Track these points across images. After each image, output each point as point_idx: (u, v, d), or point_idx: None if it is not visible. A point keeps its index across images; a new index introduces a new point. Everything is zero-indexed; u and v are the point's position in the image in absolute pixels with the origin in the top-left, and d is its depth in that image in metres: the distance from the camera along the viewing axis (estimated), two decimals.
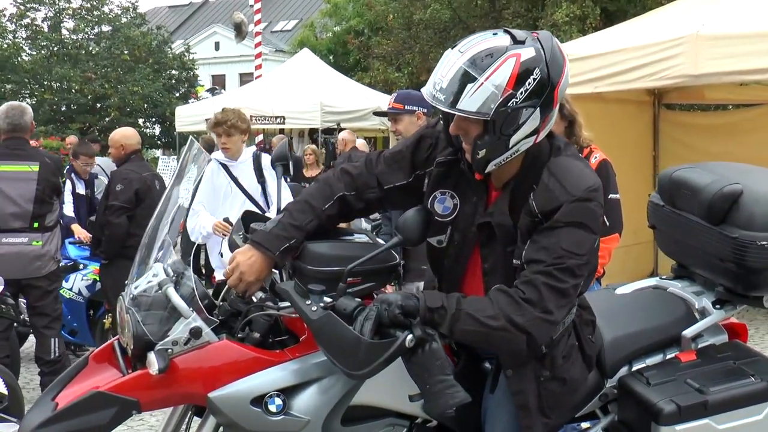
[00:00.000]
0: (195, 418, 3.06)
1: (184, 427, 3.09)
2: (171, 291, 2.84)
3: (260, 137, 18.91)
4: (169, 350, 2.77)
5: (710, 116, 13.37)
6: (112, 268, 6.97)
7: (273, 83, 17.61)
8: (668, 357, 3.30)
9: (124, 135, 7.31)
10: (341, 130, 16.86)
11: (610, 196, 4.80)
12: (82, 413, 2.76)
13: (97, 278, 7.60)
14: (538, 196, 2.70)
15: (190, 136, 3.76)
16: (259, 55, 19.68)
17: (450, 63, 2.65)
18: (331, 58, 27.09)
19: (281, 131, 18.00)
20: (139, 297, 2.92)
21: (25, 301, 6.71)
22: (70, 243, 8.06)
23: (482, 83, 2.58)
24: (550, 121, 2.74)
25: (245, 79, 43.52)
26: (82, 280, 7.78)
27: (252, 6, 51.07)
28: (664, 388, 3.08)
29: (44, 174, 6.35)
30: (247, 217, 3.22)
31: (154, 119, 33.76)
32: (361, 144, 12.94)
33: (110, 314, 7.58)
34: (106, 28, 33.96)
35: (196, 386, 2.79)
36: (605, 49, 9.13)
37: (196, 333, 2.77)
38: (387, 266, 2.96)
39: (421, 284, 5.19)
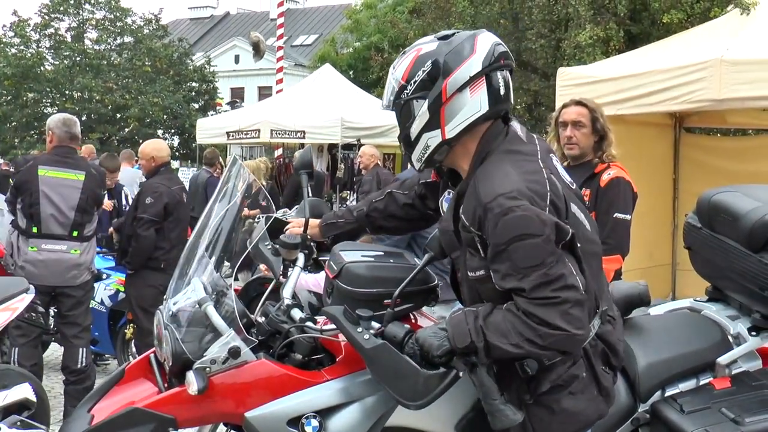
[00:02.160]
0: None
1: None
2: (210, 309, 2.86)
3: (279, 151, 18.94)
4: (207, 369, 2.78)
5: (731, 140, 13.32)
6: (137, 279, 7.04)
7: (294, 97, 17.67)
8: (702, 383, 3.26)
9: (155, 147, 7.36)
10: (361, 145, 16.91)
11: (616, 215, 4.70)
12: (120, 428, 2.78)
13: (120, 288, 7.64)
14: (465, 209, 2.70)
15: (234, 155, 3.77)
16: (280, 70, 19.75)
17: None
18: (351, 73, 27.16)
19: (301, 146, 18.04)
20: (178, 313, 2.94)
21: (55, 309, 6.75)
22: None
23: (390, 79, 2.79)
24: (455, 117, 2.72)
25: (264, 92, 43.67)
26: (105, 290, 7.81)
27: (273, 20, 51.39)
28: (699, 417, 3.05)
29: (89, 184, 6.42)
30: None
31: (173, 131, 33.94)
32: None
33: (131, 324, 7.63)
34: (128, 39, 34.26)
35: (233, 405, 2.80)
36: (629, 71, 9.12)
37: (234, 353, 2.77)
38: (426, 288, 2.98)
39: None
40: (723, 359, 3.28)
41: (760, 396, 3.20)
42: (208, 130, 17.89)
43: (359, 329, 2.72)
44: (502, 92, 2.78)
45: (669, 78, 8.46)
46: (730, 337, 3.36)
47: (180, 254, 7.13)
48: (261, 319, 2.98)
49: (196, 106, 34.34)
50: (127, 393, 2.97)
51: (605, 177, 4.81)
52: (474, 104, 2.74)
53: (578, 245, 2.68)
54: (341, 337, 2.88)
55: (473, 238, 2.66)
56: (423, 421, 2.95)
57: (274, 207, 3.16)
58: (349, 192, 16.55)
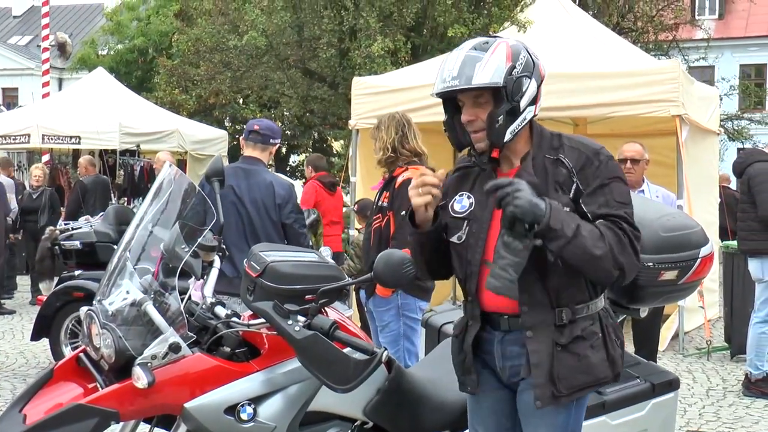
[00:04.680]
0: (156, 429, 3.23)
1: None
2: (150, 308, 3.02)
3: (47, 157, 18.28)
4: (149, 364, 2.93)
5: None
6: None
7: (67, 101, 17.09)
8: None
9: None
10: (139, 153, 16.66)
11: (403, 213, 4.91)
12: (63, 424, 2.88)
13: None
14: (568, 155, 3.06)
15: (166, 161, 3.88)
16: (47, 72, 19.12)
17: (454, 58, 3.02)
18: (113, 76, 26.48)
19: (74, 152, 17.51)
20: (117, 313, 3.06)
21: None
22: None
23: (488, 59, 2.98)
24: (541, 98, 3.11)
25: (9, 93, 41.44)
26: None
27: (16, 18, 48.39)
28: None
29: None
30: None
31: None
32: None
33: None
34: None
35: (172, 397, 2.98)
36: (419, 82, 9.67)
37: (175, 348, 2.96)
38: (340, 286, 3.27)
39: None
40: None
41: None
42: None
43: (289, 322, 2.99)
44: None
45: None
46: None
47: None
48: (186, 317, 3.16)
49: None
50: (58, 392, 3.06)
51: (399, 179, 5.23)
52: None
53: None
54: (263, 330, 3.14)
55: (569, 178, 3.02)
56: (338, 405, 3.27)
57: (215, 211, 3.34)
58: (130, 199, 16.29)
